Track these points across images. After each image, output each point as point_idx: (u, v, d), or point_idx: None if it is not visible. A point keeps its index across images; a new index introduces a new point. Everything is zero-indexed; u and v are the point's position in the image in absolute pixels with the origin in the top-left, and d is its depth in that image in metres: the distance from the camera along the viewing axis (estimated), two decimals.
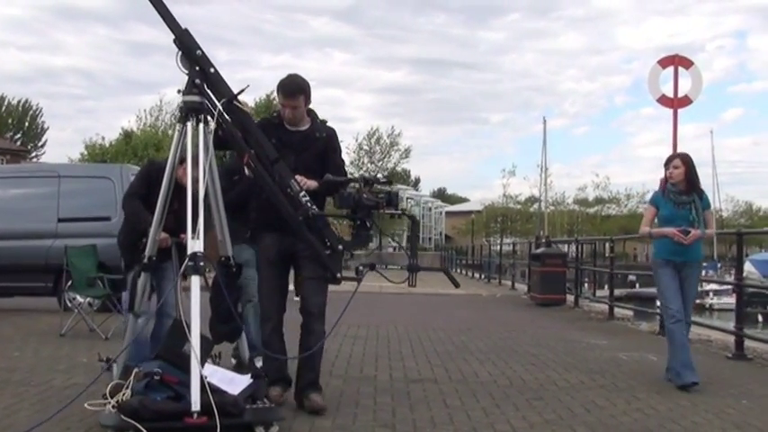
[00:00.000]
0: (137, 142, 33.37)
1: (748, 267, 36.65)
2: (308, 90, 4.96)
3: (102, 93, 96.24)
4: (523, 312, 13.81)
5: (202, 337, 4.26)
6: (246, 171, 5.10)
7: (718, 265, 46.51)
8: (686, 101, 10.85)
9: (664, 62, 10.92)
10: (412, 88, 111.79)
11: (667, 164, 6.43)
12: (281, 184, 4.54)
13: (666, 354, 6.38)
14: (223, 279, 4.65)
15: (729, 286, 23.33)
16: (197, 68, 4.46)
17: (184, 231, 4.64)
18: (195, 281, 4.17)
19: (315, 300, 4.90)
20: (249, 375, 4.58)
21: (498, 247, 32.63)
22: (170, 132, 35.47)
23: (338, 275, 4.62)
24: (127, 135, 35.31)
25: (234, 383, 4.39)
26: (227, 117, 4.53)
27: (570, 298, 15.19)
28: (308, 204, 4.52)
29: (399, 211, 4.57)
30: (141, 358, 4.85)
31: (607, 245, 14.92)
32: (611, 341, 9.32)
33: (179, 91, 4.50)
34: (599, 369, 7.02)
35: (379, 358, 7.35)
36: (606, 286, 15.90)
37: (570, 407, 5.32)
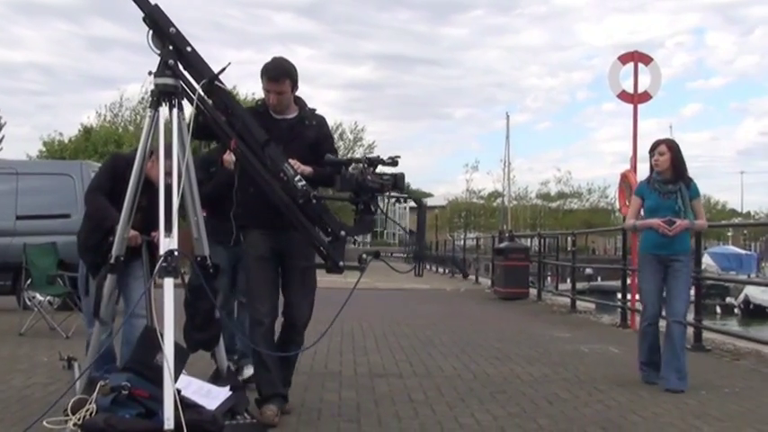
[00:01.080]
0: (96, 138, 32.88)
1: (707, 260, 37.37)
2: (294, 74, 4.56)
3: (62, 88, 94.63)
4: (487, 306, 13.90)
5: (177, 346, 3.73)
6: (233, 158, 4.76)
7: None
8: (646, 96, 10.99)
9: (624, 58, 11.04)
10: (375, 84, 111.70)
11: (652, 151, 6.04)
12: (274, 170, 4.11)
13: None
14: (200, 280, 4.09)
15: None
16: (171, 48, 4.02)
17: (154, 229, 4.37)
18: (169, 283, 3.69)
19: (302, 311, 4.61)
20: (228, 387, 4.26)
21: (462, 241, 32.73)
22: (131, 129, 35.00)
23: (341, 264, 4.16)
24: (86, 131, 34.78)
25: (211, 396, 4.10)
26: (208, 100, 4.17)
27: (533, 292, 15.35)
28: (306, 188, 4.09)
29: (405, 195, 4.18)
30: (107, 367, 4.53)
31: (569, 239, 15.07)
32: (573, 334, 9.44)
33: (150, 72, 4.03)
34: (561, 362, 7.10)
35: (343, 353, 7.36)
36: (569, 280, 16.07)
37: (533, 399, 5.37)
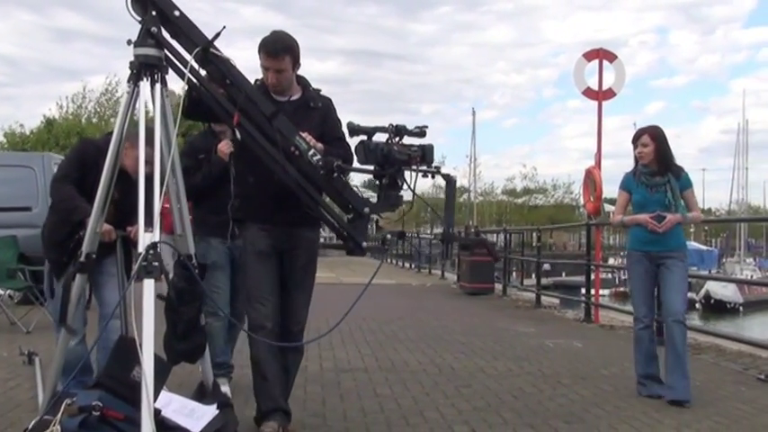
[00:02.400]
0: (58, 131, 32.37)
1: None
2: (296, 50, 4.02)
3: (25, 80, 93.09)
4: (453, 301, 13.95)
5: (156, 359, 3.12)
6: (229, 148, 4.46)
7: None
8: (610, 93, 11.11)
9: (589, 56, 11.15)
10: (344, 79, 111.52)
11: (635, 141, 5.55)
12: (284, 145, 3.60)
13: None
14: (183, 283, 3.48)
15: None
16: (154, 14, 3.45)
17: (130, 224, 4.08)
18: (149, 285, 3.09)
19: (299, 315, 4.20)
20: (215, 405, 3.73)
21: (428, 237, 32.82)
22: (94, 121, 34.55)
23: (364, 244, 3.69)
24: (49, 123, 34.24)
25: (196, 417, 3.55)
26: (202, 72, 3.61)
27: (499, 287, 15.44)
28: (326, 160, 3.59)
29: (434, 169, 3.63)
30: (81, 380, 3.98)
31: (534, 234, 15.18)
32: (538, 329, 9.51)
33: (130, 42, 3.44)
34: (526, 356, 7.15)
35: (309, 348, 7.32)
36: (533, 275, 16.21)
37: (498, 394, 5.41)
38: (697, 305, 31.59)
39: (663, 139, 5.48)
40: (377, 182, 3.63)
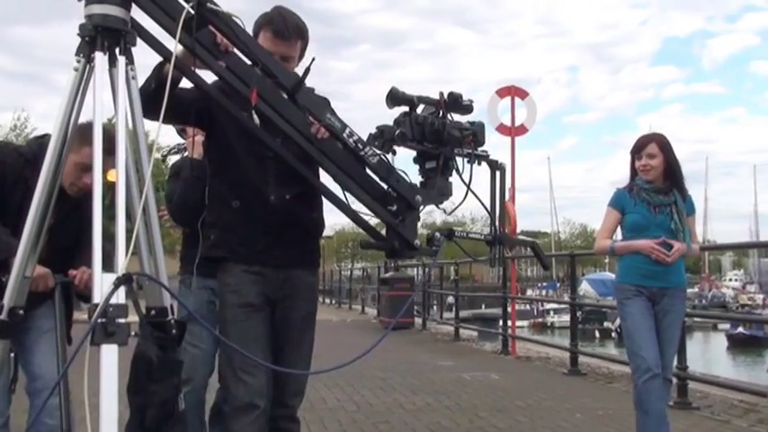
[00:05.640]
0: None
1: (585, 286, 38.84)
2: (307, 36, 3.13)
3: None
4: (373, 337, 13.72)
5: None
6: (201, 137, 3.40)
7: (557, 285, 48.88)
8: (522, 129, 11.38)
9: (501, 93, 11.42)
10: None
11: (639, 150, 4.50)
12: (305, 129, 2.67)
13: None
14: (154, 351, 2.29)
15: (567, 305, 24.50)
16: None
17: (75, 264, 3.10)
18: (109, 354, 2.00)
19: (298, 383, 3.21)
20: None
21: (349, 272, 32.78)
22: None
23: (417, 243, 2.82)
24: None
25: None
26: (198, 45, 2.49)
27: (418, 321, 15.50)
28: (366, 141, 2.69)
29: (484, 153, 2.88)
30: None
31: (452, 268, 15.34)
32: (456, 362, 9.57)
33: None
34: (444, 390, 7.18)
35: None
36: (453, 308, 16.33)
37: (416, 429, 5.41)
38: (613, 334, 32.32)
39: (672, 150, 4.51)
40: (419, 165, 2.84)
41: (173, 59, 2.39)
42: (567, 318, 30.49)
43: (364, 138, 2.68)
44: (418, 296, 16.11)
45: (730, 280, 66.23)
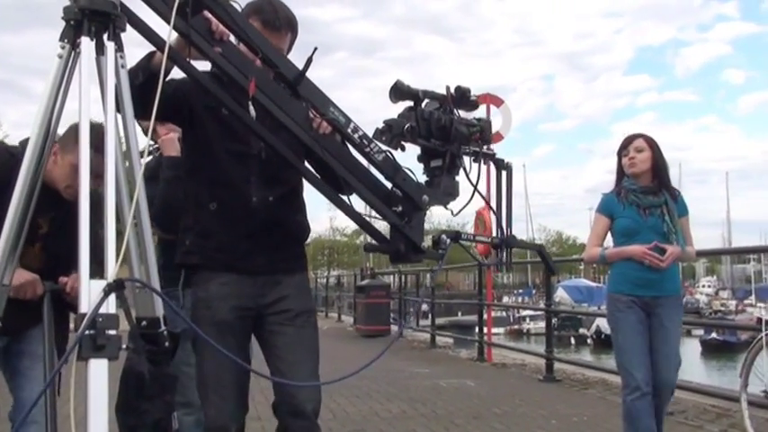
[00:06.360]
0: None
1: (560, 293, 39.07)
2: (297, 29, 2.95)
3: None
4: (349, 344, 13.89)
5: None
6: (175, 134, 3.33)
7: (533, 292, 49.12)
8: (498, 137, 11.40)
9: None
10: None
11: (625, 147, 4.35)
12: (300, 120, 2.46)
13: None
14: (145, 366, 2.06)
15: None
16: None
17: (64, 271, 2.83)
18: (98, 369, 1.78)
19: (308, 390, 2.86)
20: None
21: (325, 279, 32.70)
22: None
23: (424, 246, 2.61)
24: None
25: None
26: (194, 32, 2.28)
27: (394, 328, 15.48)
28: (366, 141, 2.49)
29: (491, 152, 2.71)
30: None
31: (428, 275, 15.35)
32: (432, 369, 9.57)
33: None
34: (420, 398, 7.17)
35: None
36: (429, 315, 16.34)
37: None
38: (589, 340, 32.53)
39: (659, 149, 4.34)
40: (424, 164, 2.64)
41: (167, 48, 2.15)
42: (542, 324, 30.79)
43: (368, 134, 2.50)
44: (395, 303, 16.10)
45: (704, 286, 66.88)
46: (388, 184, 2.57)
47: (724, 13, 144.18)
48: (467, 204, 2.69)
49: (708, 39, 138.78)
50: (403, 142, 2.46)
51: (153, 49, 2.34)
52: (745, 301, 47.61)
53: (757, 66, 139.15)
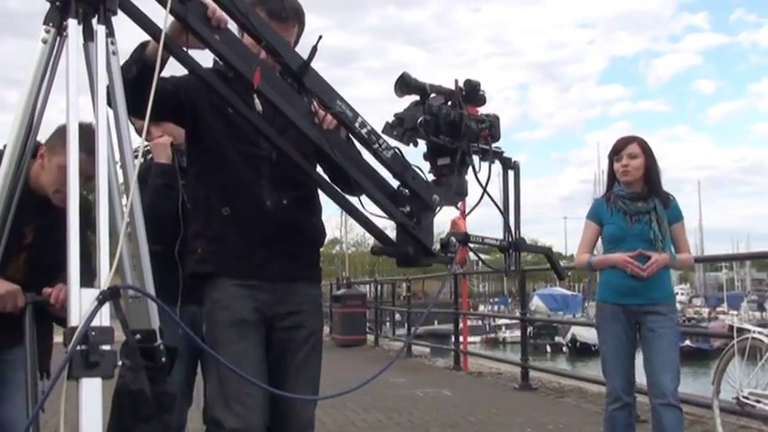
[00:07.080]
0: None
1: (536, 302, 39.26)
2: (304, 21, 2.77)
3: None
4: (325, 354, 13.71)
5: None
6: (166, 139, 3.20)
7: (508, 300, 49.28)
8: None
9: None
10: None
11: (618, 151, 4.21)
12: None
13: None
14: (141, 384, 1.83)
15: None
16: None
17: (50, 281, 2.61)
18: (92, 389, 1.59)
19: (306, 412, 2.79)
20: None
21: None
22: None
23: (434, 248, 2.43)
24: None
25: None
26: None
27: (371, 337, 15.47)
28: (374, 137, 2.35)
29: (499, 150, 2.54)
30: None
31: (404, 284, 15.36)
32: (408, 378, 9.55)
33: None
34: (396, 407, 7.16)
35: None
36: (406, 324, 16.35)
37: None
38: (564, 348, 32.68)
39: (653, 154, 4.24)
40: (431, 162, 2.46)
41: (163, 35, 1.93)
42: (518, 333, 30.91)
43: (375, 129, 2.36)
44: (371, 313, 16.09)
45: (677, 294, 67.42)
46: (394, 183, 2.42)
47: (694, 24, 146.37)
48: (476, 205, 2.52)
49: (678, 49, 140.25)
50: (416, 138, 2.31)
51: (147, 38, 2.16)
52: (718, 309, 48.07)
53: (726, 76, 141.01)
